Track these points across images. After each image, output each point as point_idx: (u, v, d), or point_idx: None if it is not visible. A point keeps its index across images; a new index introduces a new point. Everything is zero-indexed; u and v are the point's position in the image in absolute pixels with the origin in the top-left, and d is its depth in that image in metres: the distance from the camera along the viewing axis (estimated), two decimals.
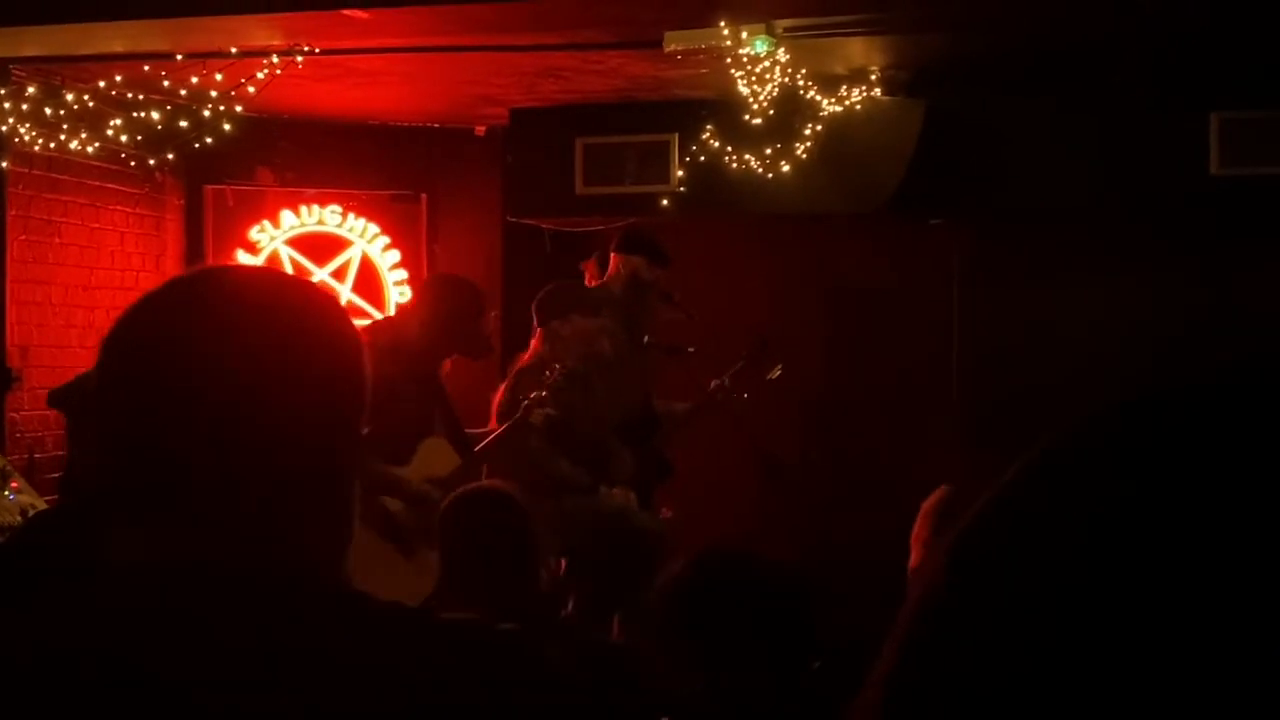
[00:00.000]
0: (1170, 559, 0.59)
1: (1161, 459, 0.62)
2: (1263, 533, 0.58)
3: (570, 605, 3.74)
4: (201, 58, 5.51)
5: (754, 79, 5.61)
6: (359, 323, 7.53)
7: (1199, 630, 0.57)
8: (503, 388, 5.55)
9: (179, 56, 5.51)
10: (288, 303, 1.33)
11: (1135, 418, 0.64)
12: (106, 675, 1.20)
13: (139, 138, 6.15)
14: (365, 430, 1.37)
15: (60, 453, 6.13)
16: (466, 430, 5.41)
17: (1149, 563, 0.59)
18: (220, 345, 1.27)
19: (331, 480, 1.33)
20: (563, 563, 3.89)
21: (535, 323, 5.60)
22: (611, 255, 5.99)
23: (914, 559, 3.04)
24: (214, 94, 5.74)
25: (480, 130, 7.87)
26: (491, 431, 5.35)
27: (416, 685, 1.21)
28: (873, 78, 6.29)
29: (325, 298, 1.40)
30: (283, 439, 1.27)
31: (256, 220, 7.64)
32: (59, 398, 4.43)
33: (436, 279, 5.59)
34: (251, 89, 5.65)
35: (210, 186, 7.57)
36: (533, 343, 5.62)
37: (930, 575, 0.63)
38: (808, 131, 6.32)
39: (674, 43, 5.38)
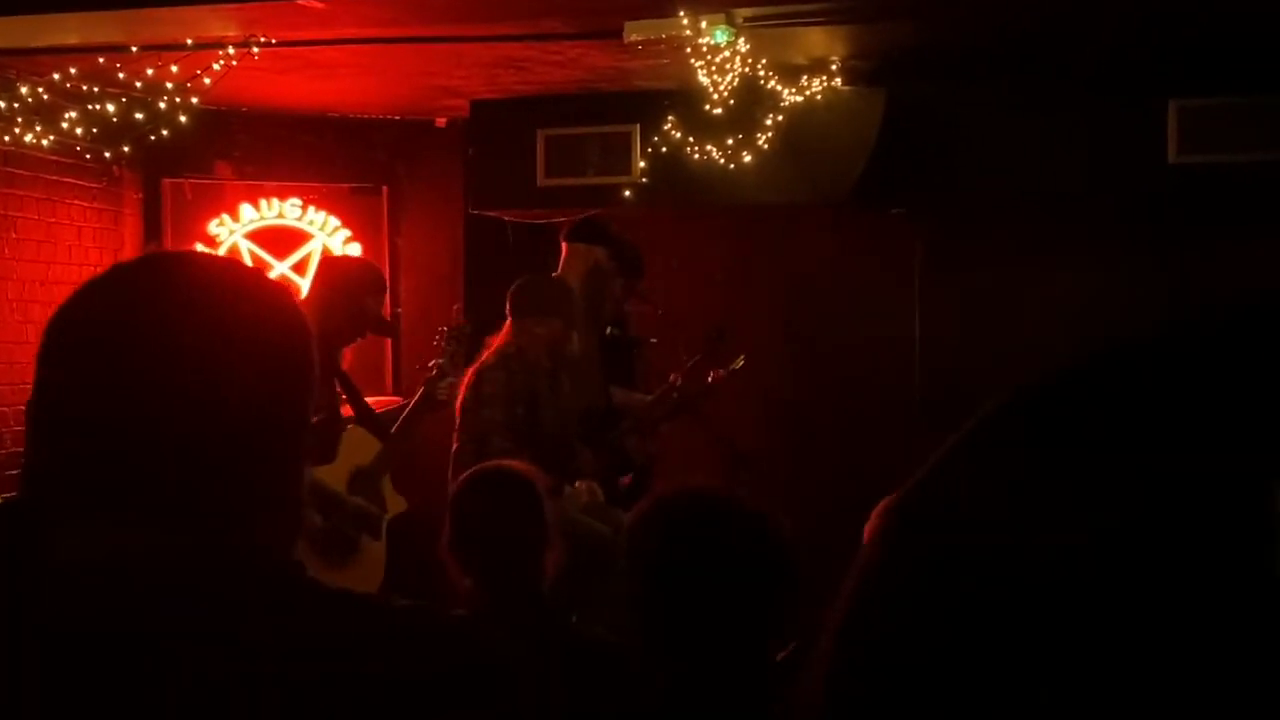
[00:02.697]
0: (1100, 523, 0.59)
1: (1086, 428, 0.62)
2: (1186, 498, 0.58)
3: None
4: (157, 49, 5.46)
5: (714, 69, 5.60)
6: None
7: (1126, 586, 0.57)
8: (464, 383, 5.50)
9: (134, 48, 5.46)
10: (235, 289, 1.31)
11: (1058, 391, 0.65)
12: (56, 673, 1.18)
13: (94, 131, 6.09)
14: (315, 419, 1.35)
15: (18, 449, 6.08)
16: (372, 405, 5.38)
17: (1075, 525, 0.59)
18: (166, 331, 1.25)
19: (281, 468, 1.31)
20: None
21: (508, 311, 5.53)
22: (564, 244, 5.95)
23: None
24: (170, 86, 5.69)
25: (441, 122, 7.84)
26: (404, 409, 5.33)
27: (368, 671, 1.19)
28: (833, 67, 6.29)
29: (272, 284, 1.38)
30: (232, 426, 1.25)
31: (215, 214, 7.59)
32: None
33: (324, 263, 5.48)
34: (208, 81, 5.60)
35: (168, 180, 7.50)
36: (503, 332, 5.54)
37: (873, 536, 0.64)
38: (769, 122, 6.31)
39: (634, 33, 5.36)
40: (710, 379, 5.94)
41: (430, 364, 5.26)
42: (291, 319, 1.34)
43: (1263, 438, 0.60)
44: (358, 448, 5.13)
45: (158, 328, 1.25)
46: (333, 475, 5.01)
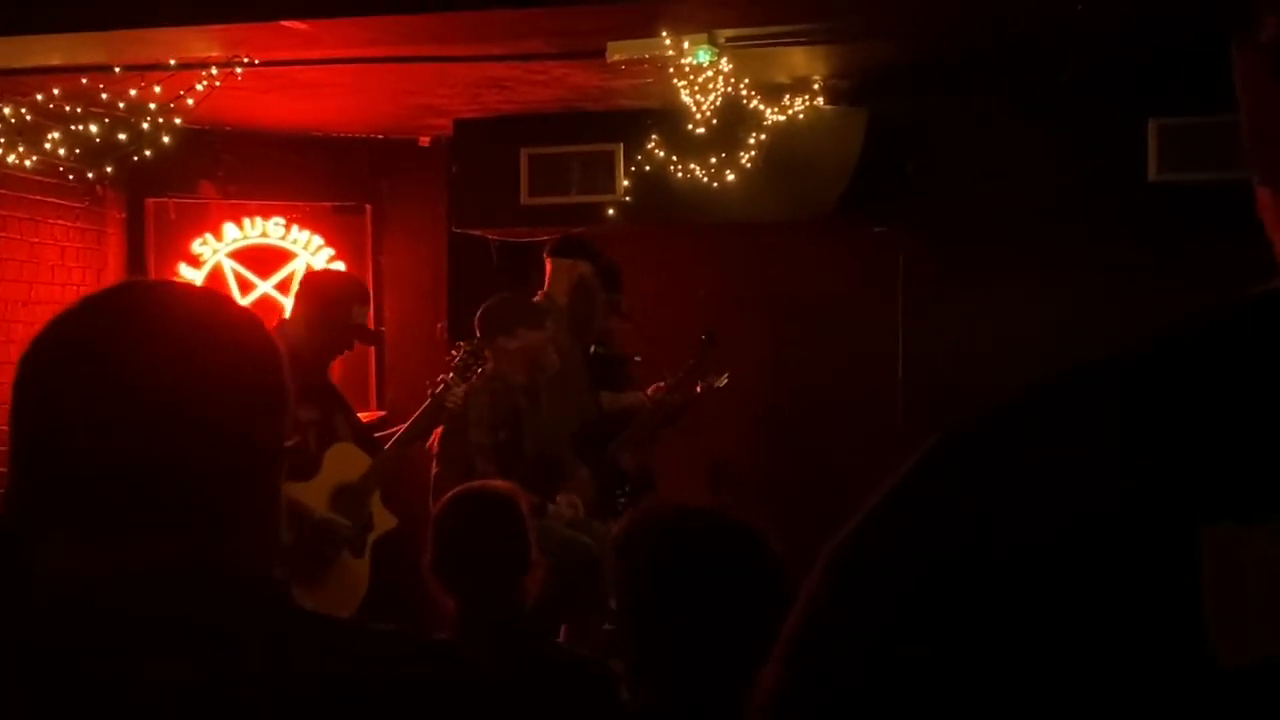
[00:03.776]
0: (1037, 562, 0.59)
1: (1021, 466, 0.62)
2: (1107, 543, 0.58)
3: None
4: (140, 70, 5.46)
5: (697, 89, 5.62)
6: None
7: (1059, 635, 0.57)
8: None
9: (117, 69, 5.46)
10: (206, 317, 1.34)
11: (993, 427, 0.65)
12: (40, 689, 1.18)
13: (78, 151, 6.09)
14: (290, 442, 1.36)
15: (3, 470, 6.06)
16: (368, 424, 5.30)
17: (1013, 565, 0.59)
18: (137, 358, 1.27)
19: (256, 490, 1.32)
20: None
21: (479, 337, 5.51)
22: (549, 260, 5.94)
23: None
24: (153, 106, 5.68)
25: (424, 141, 7.85)
26: (396, 431, 5.27)
27: (347, 694, 1.20)
28: (815, 86, 6.31)
29: (243, 311, 1.41)
30: (204, 451, 1.26)
31: (199, 233, 7.58)
32: None
33: (305, 279, 5.44)
34: (191, 101, 5.60)
35: (152, 199, 7.50)
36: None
37: (811, 584, 0.64)
38: (752, 140, 6.34)
39: (616, 53, 5.38)
40: (699, 389, 5.94)
41: (439, 378, 5.20)
42: (263, 344, 1.35)
43: (1193, 479, 0.60)
44: (344, 463, 5.04)
45: (129, 356, 1.27)
46: (314, 491, 4.92)
